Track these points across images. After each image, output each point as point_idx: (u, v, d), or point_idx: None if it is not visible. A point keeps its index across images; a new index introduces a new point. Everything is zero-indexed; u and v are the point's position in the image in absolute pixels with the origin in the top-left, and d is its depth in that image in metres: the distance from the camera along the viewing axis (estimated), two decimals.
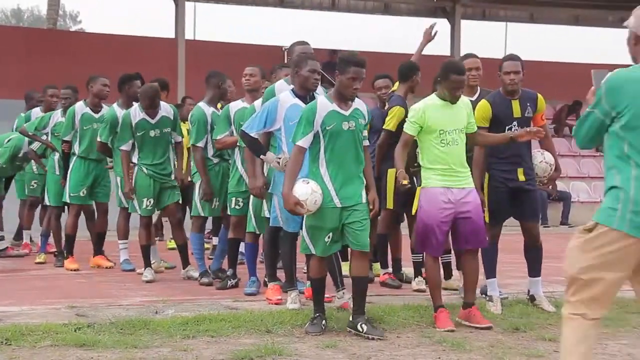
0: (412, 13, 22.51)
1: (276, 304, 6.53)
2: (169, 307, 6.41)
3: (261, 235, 7.15)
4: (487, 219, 6.36)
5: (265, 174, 6.59)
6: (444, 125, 5.87)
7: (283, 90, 6.56)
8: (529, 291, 6.72)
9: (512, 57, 6.54)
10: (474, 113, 6.22)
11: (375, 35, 21.73)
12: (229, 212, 7.53)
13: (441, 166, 5.83)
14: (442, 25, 21.88)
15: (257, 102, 6.97)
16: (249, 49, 18.90)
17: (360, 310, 5.63)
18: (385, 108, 7.64)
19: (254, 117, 6.34)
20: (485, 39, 23.80)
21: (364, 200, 5.64)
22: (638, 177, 3.40)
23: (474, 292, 6.04)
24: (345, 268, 7.47)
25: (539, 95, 6.57)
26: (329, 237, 5.60)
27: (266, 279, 7.03)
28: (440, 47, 21.68)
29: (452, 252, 7.42)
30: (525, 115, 6.44)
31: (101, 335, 5.34)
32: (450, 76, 5.85)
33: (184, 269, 8.18)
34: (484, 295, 6.68)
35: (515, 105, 6.45)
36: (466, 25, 21.89)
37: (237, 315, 6.01)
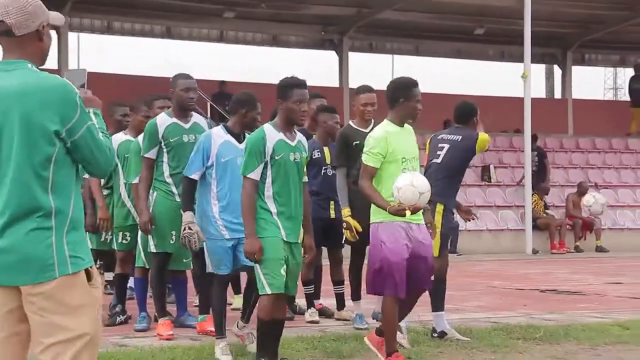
0: (300, 45, 22.75)
1: (167, 339, 6.38)
2: None
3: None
4: (436, 253, 6.09)
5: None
6: (405, 152, 5.52)
7: (167, 122, 6.51)
8: (434, 329, 6.51)
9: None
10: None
11: (264, 67, 21.87)
12: (115, 247, 7.35)
13: None
14: (330, 58, 22.25)
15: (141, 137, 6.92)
16: (136, 80, 18.66)
17: (276, 351, 5.38)
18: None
19: (191, 159, 6.03)
20: (372, 70, 24.29)
21: (299, 240, 5.36)
22: None
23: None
24: (237, 301, 7.42)
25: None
26: (284, 270, 5.15)
27: (156, 314, 6.88)
28: (329, 78, 22.02)
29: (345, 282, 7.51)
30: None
31: None
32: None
33: None
34: (374, 320, 6.74)
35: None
36: (354, 57, 22.30)
37: (126, 352, 5.85)
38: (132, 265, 7.17)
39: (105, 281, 9.48)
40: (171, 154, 6.54)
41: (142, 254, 6.90)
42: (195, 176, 5.94)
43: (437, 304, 6.46)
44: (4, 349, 3.04)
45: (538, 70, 24.48)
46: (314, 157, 7.32)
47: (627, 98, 25.93)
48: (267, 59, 26.07)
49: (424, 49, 23.52)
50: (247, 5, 19.88)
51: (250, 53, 26.80)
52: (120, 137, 7.43)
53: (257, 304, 5.87)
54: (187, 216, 5.93)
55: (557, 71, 24.96)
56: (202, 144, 5.96)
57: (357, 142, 6.72)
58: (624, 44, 24.14)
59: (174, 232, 6.51)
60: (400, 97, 5.57)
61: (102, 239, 7.67)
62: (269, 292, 5.14)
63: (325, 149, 7.41)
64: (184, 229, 5.90)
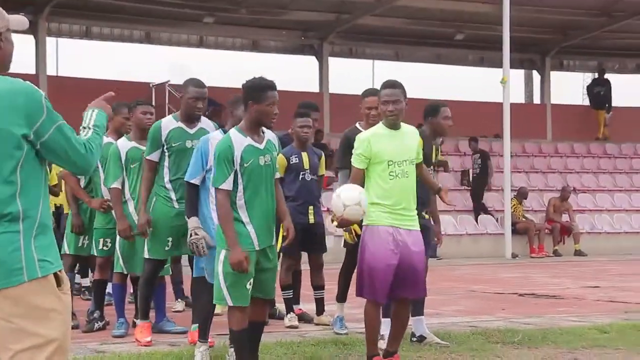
0: (280, 50, 22.75)
1: (145, 345, 6.34)
2: None
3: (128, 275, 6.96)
4: None
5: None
6: (392, 155, 5.45)
7: (171, 125, 6.44)
8: (413, 333, 6.53)
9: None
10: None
11: (244, 72, 21.83)
12: (94, 253, 7.30)
13: (388, 202, 5.38)
14: (310, 63, 22.27)
15: (121, 142, 6.91)
16: (116, 85, 18.58)
17: (256, 355, 5.34)
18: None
19: (191, 163, 5.91)
20: (353, 75, 24.30)
21: (274, 242, 5.29)
22: None
23: (400, 341, 5.71)
24: (217, 306, 7.38)
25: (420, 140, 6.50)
26: (250, 283, 5.04)
27: (135, 320, 6.82)
28: (309, 84, 22.04)
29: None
30: None
31: None
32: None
33: None
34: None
35: None
36: (334, 62, 22.33)
37: (104, 358, 5.83)
38: (111, 271, 7.14)
39: (83, 287, 9.45)
40: (172, 158, 6.43)
41: (121, 259, 6.87)
42: (195, 181, 5.81)
43: (417, 309, 6.47)
44: None
45: (517, 76, 24.62)
46: (291, 162, 7.32)
47: None
48: (247, 64, 25.98)
49: (403, 55, 23.60)
50: (227, 10, 19.87)
51: (230, 58, 26.75)
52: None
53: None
54: (192, 222, 5.77)
55: (536, 76, 25.12)
56: (200, 148, 5.87)
57: None
58: (601, 49, 24.34)
59: (170, 239, 6.43)
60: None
61: (80, 244, 7.62)
62: (231, 304, 5.07)
63: (304, 154, 7.42)
64: (191, 235, 5.75)
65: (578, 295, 10.30)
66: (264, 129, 5.24)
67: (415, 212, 5.55)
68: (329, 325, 7.24)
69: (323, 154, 7.80)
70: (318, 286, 7.53)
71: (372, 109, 6.68)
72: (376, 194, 5.38)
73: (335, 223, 5.37)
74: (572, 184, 20.22)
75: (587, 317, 8.18)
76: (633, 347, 6.45)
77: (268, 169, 5.15)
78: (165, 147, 6.43)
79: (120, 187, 6.87)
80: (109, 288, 7.51)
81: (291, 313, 7.46)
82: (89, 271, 8.69)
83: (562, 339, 6.76)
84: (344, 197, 5.25)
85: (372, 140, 5.43)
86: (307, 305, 7.80)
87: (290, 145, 7.44)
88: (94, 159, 3.13)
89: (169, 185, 6.46)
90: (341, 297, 7.13)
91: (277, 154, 5.39)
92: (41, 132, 2.97)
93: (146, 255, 6.55)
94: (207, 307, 5.87)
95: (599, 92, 23.00)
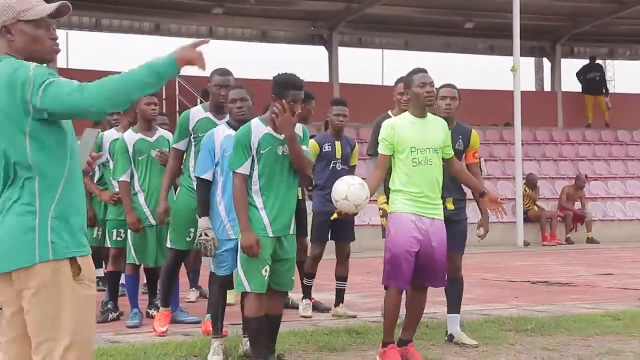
0: (289, 41, 22.74)
1: (160, 335, 6.37)
2: None
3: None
4: None
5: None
6: (415, 142, 5.46)
7: (199, 115, 6.42)
8: (446, 332, 6.32)
9: (449, 85, 6.33)
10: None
11: (253, 63, 21.89)
12: (108, 244, 7.34)
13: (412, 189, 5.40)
14: (320, 53, 22.24)
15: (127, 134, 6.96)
16: None
17: (272, 348, 5.33)
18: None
19: (199, 158, 5.89)
20: (362, 65, 24.27)
21: (292, 232, 5.28)
22: None
23: (414, 330, 5.69)
24: (230, 296, 7.40)
25: (473, 132, 6.41)
26: (266, 270, 5.07)
27: (148, 310, 6.82)
28: (318, 74, 22.02)
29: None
30: (456, 147, 6.07)
31: None
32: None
33: None
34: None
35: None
36: (343, 52, 22.30)
37: (119, 348, 5.85)
38: (124, 262, 7.17)
39: (96, 278, 9.48)
40: (197, 148, 6.32)
41: (132, 251, 6.90)
42: (206, 176, 5.75)
43: (453, 306, 6.32)
44: (15, 349, 3.02)
45: (527, 63, 24.51)
46: (323, 150, 7.29)
47: (616, 91, 26.02)
48: (256, 55, 25.98)
49: (413, 43, 23.54)
50: (236, 1, 19.86)
51: (239, 49, 26.70)
52: (111, 135, 7.46)
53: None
54: (203, 222, 5.73)
55: (547, 64, 25.02)
56: (206, 144, 5.82)
57: None
58: (611, 36, 24.22)
59: (192, 230, 6.37)
60: (405, 87, 5.65)
61: (94, 236, 7.68)
62: (249, 290, 5.09)
63: (337, 143, 7.39)
64: (200, 235, 5.73)
65: (591, 282, 10.28)
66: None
67: (440, 201, 5.53)
68: (341, 316, 7.24)
69: (356, 144, 7.74)
70: (341, 277, 7.47)
71: (404, 93, 6.64)
72: (400, 181, 5.42)
73: (335, 215, 5.57)
74: (584, 172, 20.13)
75: (600, 304, 8.17)
76: None
77: (286, 159, 5.16)
78: (192, 137, 6.42)
79: (128, 180, 6.90)
80: (122, 279, 7.55)
81: (307, 299, 7.43)
82: (102, 262, 8.73)
83: (576, 326, 6.76)
84: (333, 192, 5.39)
85: (396, 127, 5.48)
86: (321, 295, 7.81)
87: (325, 133, 7.44)
88: (94, 94, 3.01)
89: (193, 176, 6.45)
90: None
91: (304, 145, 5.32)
92: (34, 99, 2.93)
93: (168, 245, 6.58)
94: (215, 303, 5.78)
95: (595, 78, 22.79)
